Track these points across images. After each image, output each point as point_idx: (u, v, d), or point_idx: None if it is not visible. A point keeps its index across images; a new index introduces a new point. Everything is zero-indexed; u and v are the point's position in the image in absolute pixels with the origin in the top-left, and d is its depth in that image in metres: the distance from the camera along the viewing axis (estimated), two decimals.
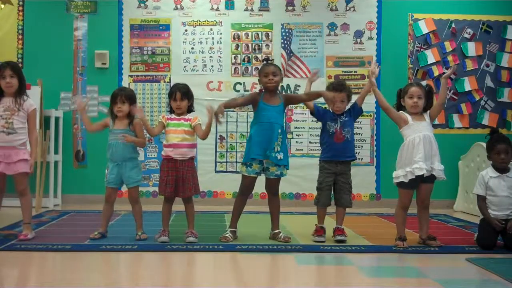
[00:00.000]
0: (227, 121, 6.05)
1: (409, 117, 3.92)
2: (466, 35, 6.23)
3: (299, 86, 6.08)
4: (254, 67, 6.15)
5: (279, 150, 4.02)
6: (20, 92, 3.94)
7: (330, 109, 4.18)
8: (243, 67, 6.17)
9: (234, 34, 6.18)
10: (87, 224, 4.51)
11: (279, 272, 3.48)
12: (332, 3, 6.21)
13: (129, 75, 6.15)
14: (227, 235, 4.06)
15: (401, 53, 6.22)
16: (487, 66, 6.25)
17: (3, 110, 3.87)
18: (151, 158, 6.11)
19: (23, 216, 4.01)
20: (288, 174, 4.18)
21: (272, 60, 4.28)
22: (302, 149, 6.12)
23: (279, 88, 4.18)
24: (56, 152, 5.94)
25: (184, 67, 6.16)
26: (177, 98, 3.96)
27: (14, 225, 4.47)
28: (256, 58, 6.15)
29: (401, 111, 4.01)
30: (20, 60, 6.05)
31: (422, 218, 4.02)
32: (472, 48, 6.24)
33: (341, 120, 4.13)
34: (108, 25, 6.16)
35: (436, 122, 5.72)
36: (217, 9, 6.19)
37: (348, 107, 4.21)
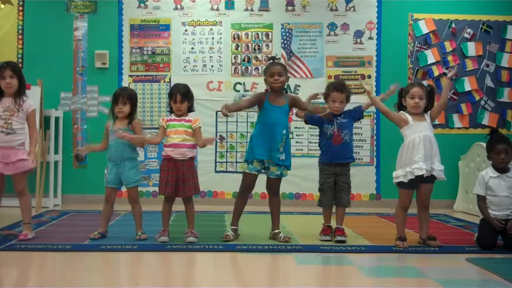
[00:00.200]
0: (227, 121, 6.05)
1: (409, 117, 3.92)
2: (466, 35, 6.23)
3: (299, 86, 6.08)
4: (254, 67, 6.16)
5: (282, 151, 4.02)
6: (20, 92, 3.93)
7: (328, 110, 4.18)
8: (243, 67, 6.17)
9: (234, 34, 6.18)
10: (87, 224, 4.51)
11: (279, 272, 3.48)
12: (332, 3, 6.21)
13: (129, 75, 6.15)
14: (228, 233, 4.07)
15: (401, 53, 6.22)
16: (487, 66, 6.25)
17: (2, 110, 3.87)
18: (151, 158, 6.11)
19: (23, 216, 4.01)
20: (288, 174, 4.18)
21: (279, 58, 4.27)
22: (302, 149, 6.12)
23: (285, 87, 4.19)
24: (56, 152, 5.94)
25: (184, 67, 6.16)
26: (177, 100, 3.95)
27: (14, 225, 4.47)
28: (256, 58, 6.15)
29: (401, 111, 4.01)
30: (20, 60, 6.05)
31: (422, 218, 4.02)
32: (472, 48, 6.24)
33: (338, 122, 4.13)
34: (108, 25, 6.16)
35: (436, 122, 5.71)
36: (217, 9, 6.19)
37: (348, 107, 4.21)
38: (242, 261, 3.60)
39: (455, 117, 6.23)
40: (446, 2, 6.26)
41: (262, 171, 4.10)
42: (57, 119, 5.97)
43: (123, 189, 4.21)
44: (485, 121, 6.23)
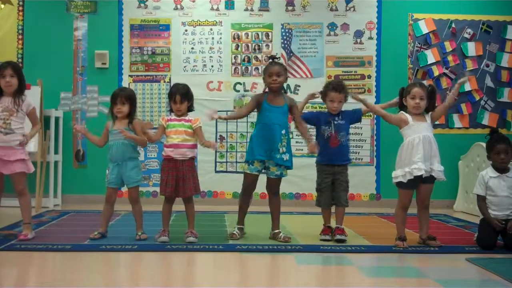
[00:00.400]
0: (227, 121, 6.05)
1: (409, 118, 3.92)
2: (466, 35, 6.23)
3: (299, 86, 6.08)
4: (254, 67, 6.16)
5: (285, 151, 4.03)
6: (19, 92, 3.93)
7: (327, 109, 4.19)
8: (243, 67, 6.17)
9: (234, 34, 6.18)
10: (87, 224, 4.51)
11: (279, 272, 3.48)
12: (332, 3, 6.21)
13: (129, 75, 6.15)
14: (234, 232, 4.11)
15: (401, 53, 6.22)
16: (487, 66, 6.25)
17: (1, 110, 3.87)
18: (151, 158, 6.11)
19: (23, 216, 4.01)
20: (288, 174, 4.18)
21: (279, 58, 4.26)
22: (302, 149, 6.11)
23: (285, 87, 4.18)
24: (56, 152, 5.94)
25: (184, 67, 6.16)
26: (177, 101, 3.95)
27: (14, 225, 4.47)
28: (256, 58, 6.15)
29: (401, 112, 4.00)
30: (20, 60, 6.05)
31: (422, 218, 4.02)
32: (472, 48, 6.24)
33: (335, 123, 4.13)
34: (108, 25, 6.16)
35: (436, 122, 5.68)
36: (217, 9, 6.19)
37: (346, 107, 4.21)
38: (242, 261, 3.60)
39: (455, 117, 6.23)
40: (446, 2, 6.26)
41: (263, 171, 4.10)
42: (57, 119, 5.96)
43: (123, 189, 4.20)
44: (485, 121, 6.23)
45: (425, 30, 6.21)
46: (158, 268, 3.35)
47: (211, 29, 6.17)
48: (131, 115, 4.06)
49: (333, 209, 4.22)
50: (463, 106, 6.22)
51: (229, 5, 6.19)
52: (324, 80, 5.91)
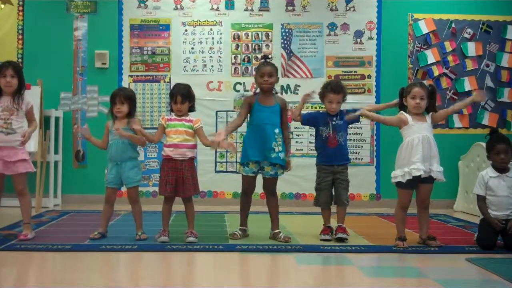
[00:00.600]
0: (227, 121, 6.04)
1: (409, 118, 3.92)
2: (466, 35, 6.23)
3: (299, 86, 6.08)
4: (254, 67, 6.14)
5: (281, 150, 4.03)
6: (19, 92, 3.93)
7: (326, 110, 4.19)
8: (243, 67, 6.17)
9: (234, 34, 6.18)
10: (87, 224, 4.51)
11: (279, 272, 3.48)
12: (332, 3, 6.21)
13: (129, 75, 6.15)
14: (236, 232, 4.12)
15: (401, 53, 6.22)
16: (487, 66, 6.25)
17: (1, 110, 3.87)
18: (151, 158, 6.11)
19: (23, 216, 4.01)
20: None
21: (271, 58, 4.26)
22: (302, 149, 6.12)
23: (279, 89, 4.18)
24: (56, 152, 5.94)
25: (184, 67, 6.16)
26: (178, 101, 3.95)
27: (14, 225, 4.47)
28: (256, 58, 6.15)
29: (401, 112, 4.00)
30: (20, 60, 6.05)
31: (422, 218, 4.02)
32: (472, 48, 6.24)
33: (333, 123, 4.13)
34: (108, 25, 6.16)
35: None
36: (217, 9, 6.19)
37: (345, 106, 4.22)
38: (242, 261, 3.60)
39: (455, 117, 6.23)
40: (446, 2, 6.26)
41: (259, 172, 4.10)
42: (57, 119, 5.96)
43: (123, 189, 4.20)
44: (485, 121, 6.23)
45: (425, 30, 6.21)
46: (158, 268, 3.35)
47: (211, 29, 6.17)
48: (130, 115, 4.06)
49: (333, 208, 4.22)
50: None
51: (229, 5, 6.19)
52: (324, 80, 5.90)
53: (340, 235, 4.04)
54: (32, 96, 4.41)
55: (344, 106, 4.24)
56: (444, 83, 6.20)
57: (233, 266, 3.50)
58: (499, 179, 3.93)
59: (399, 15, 6.23)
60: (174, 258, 3.63)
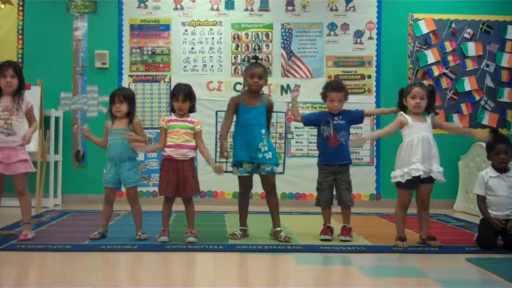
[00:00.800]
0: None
1: (409, 118, 3.91)
2: (466, 35, 6.23)
3: (299, 86, 6.07)
4: None
5: (267, 150, 4.02)
6: (19, 92, 3.93)
7: (328, 109, 4.19)
8: (243, 67, 6.16)
9: (234, 34, 6.18)
10: (87, 224, 4.51)
11: (279, 272, 3.48)
12: (332, 3, 6.21)
13: (129, 75, 6.15)
14: (236, 232, 4.12)
15: (401, 53, 6.22)
16: (487, 66, 6.25)
17: (1, 110, 3.87)
18: (151, 158, 6.11)
19: (23, 216, 4.01)
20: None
21: (261, 59, 4.27)
22: (302, 149, 6.12)
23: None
24: (56, 152, 5.94)
25: (184, 67, 6.16)
26: (179, 100, 3.95)
27: (14, 225, 4.47)
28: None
29: (400, 112, 4.00)
30: (20, 60, 6.05)
31: (422, 218, 4.02)
32: (472, 48, 6.24)
33: (334, 123, 4.13)
34: (108, 25, 6.16)
35: None
36: (217, 9, 6.19)
37: (346, 107, 4.22)
38: (242, 261, 3.61)
39: (455, 117, 6.23)
40: (446, 2, 6.26)
41: (254, 171, 4.09)
42: (57, 119, 5.97)
43: (123, 189, 4.21)
44: (485, 121, 6.23)
45: (425, 30, 6.21)
46: (158, 268, 3.35)
47: (211, 29, 6.17)
48: (130, 115, 4.06)
49: (334, 209, 4.22)
50: (463, 106, 6.22)
51: (229, 5, 6.19)
52: (324, 80, 5.91)
53: (343, 237, 4.05)
54: (32, 96, 4.41)
55: (344, 106, 4.23)
56: (444, 83, 6.21)
57: (233, 266, 3.50)
58: (499, 179, 3.93)
59: (399, 15, 6.24)
60: (174, 258, 3.63)
